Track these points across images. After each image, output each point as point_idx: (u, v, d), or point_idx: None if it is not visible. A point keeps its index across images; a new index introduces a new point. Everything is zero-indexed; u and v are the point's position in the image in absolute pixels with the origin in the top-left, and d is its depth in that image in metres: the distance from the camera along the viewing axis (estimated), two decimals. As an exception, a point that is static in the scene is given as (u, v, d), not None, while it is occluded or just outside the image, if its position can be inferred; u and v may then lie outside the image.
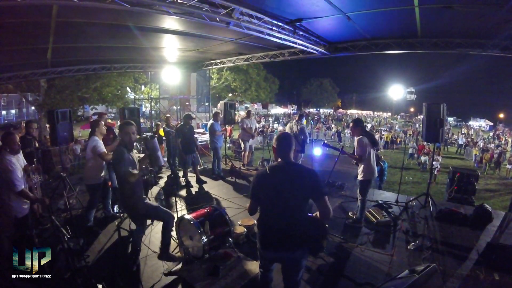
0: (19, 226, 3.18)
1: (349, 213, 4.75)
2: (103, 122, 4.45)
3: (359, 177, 4.32)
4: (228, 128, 12.39)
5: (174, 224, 3.46)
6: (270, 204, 2.19)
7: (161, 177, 6.96)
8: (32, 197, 3.26)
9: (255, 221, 4.17)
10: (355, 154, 4.28)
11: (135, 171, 3.04)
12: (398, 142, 21.76)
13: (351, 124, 4.56)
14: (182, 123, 6.36)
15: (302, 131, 6.50)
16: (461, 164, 16.47)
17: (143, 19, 4.74)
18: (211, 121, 7.10)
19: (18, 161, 3.21)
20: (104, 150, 4.09)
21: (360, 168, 4.30)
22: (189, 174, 6.42)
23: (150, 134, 9.14)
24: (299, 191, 2.12)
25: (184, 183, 6.29)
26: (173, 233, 3.52)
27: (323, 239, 2.24)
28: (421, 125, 9.69)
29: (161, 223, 3.39)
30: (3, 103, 29.00)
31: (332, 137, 23.76)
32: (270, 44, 6.66)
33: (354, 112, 54.38)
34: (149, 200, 3.71)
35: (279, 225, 2.15)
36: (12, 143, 3.13)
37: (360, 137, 4.25)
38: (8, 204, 3.08)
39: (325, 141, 6.83)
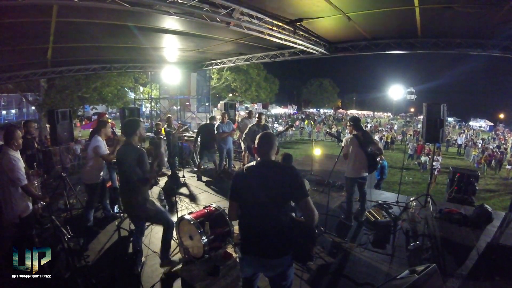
0: (22, 225, 3.17)
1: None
2: (110, 124, 4.44)
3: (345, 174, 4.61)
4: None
5: (174, 225, 3.45)
6: (248, 206, 2.03)
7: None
8: (35, 194, 3.25)
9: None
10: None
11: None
12: (395, 142, 21.85)
13: (348, 124, 4.73)
14: (210, 122, 6.95)
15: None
16: (461, 164, 16.46)
17: (143, 19, 4.74)
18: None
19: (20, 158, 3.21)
20: (107, 151, 4.08)
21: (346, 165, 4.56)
22: (190, 175, 6.40)
23: (151, 134, 9.22)
24: (277, 191, 1.92)
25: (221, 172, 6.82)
26: (174, 233, 3.50)
27: (311, 246, 2.04)
28: (421, 125, 9.68)
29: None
30: (3, 103, 29.06)
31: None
32: (270, 44, 6.65)
33: (354, 112, 54.33)
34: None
35: (259, 229, 1.98)
36: (16, 138, 3.12)
37: (349, 136, 4.51)
38: (13, 203, 3.07)
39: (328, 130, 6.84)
